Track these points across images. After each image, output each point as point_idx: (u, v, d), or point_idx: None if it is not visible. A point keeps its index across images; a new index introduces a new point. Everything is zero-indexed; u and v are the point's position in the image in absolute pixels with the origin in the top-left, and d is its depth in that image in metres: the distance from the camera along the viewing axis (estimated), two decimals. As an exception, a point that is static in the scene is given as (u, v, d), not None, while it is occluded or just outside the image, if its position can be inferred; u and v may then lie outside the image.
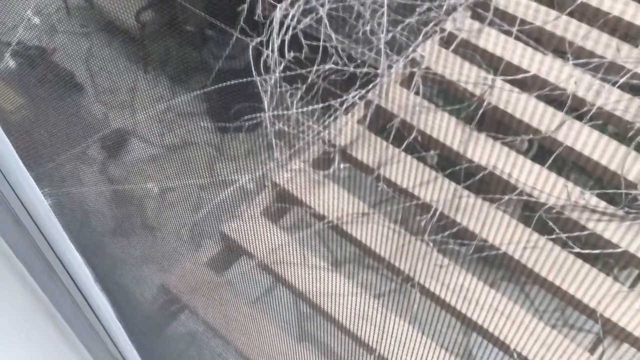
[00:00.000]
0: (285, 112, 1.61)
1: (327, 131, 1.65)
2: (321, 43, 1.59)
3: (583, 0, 1.71)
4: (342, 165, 1.61)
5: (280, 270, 1.56)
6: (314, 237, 1.59)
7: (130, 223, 1.83)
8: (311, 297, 1.54)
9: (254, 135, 1.72)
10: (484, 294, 1.45)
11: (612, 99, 1.59)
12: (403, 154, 1.61)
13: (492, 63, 1.71)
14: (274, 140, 1.59)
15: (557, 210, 1.47)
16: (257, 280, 1.66)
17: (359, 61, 1.63)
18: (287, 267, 1.57)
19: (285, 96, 1.60)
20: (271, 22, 1.60)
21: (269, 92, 1.57)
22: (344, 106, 1.62)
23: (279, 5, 1.62)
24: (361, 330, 1.48)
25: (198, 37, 2.30)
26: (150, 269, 1.81)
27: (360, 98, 1.65)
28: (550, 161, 1.55)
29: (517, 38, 1.70)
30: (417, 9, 1.67)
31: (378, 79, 1.61)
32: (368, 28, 1.62)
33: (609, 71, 1.62)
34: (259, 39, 1.60)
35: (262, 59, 1.59)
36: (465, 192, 1.54)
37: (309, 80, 1.60)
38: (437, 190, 1.56)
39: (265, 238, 1.62)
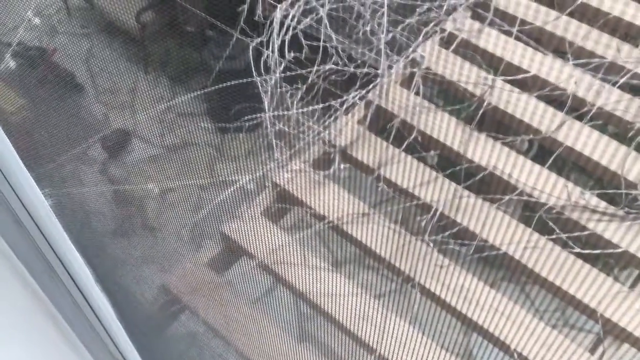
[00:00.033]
0: (285, 113, 1.61)
1: (327, 131, 1.65)
2: (321, 43, 1.60)
3: (583, 0, 1.71)
4: (342, 166, 1.61)
5: (281, 270, 1.56)
6: (314, 237, 1.59)
7: (130, 223, 1.84)
8: (311, 297, 1.54)
9: (254, 136, 1.72)
10: (484, 294, 1.45)
11: (612, 99, 1.59)
12: (403, 154, 1.62)
13: (492, 63, 1.71)
14: (274, 141, 1.59)
15: (557, 210, 1.47)
16: (257, 281, 1.67)
17: (359, 61, 1.63)
18: (288, 267, 1.57)
19: (285, 96, 1.60)
20: (271, 23, 1.60)
21: (269, 93, 1.57)
22: (344, 106, 1.62)
23: (279, 6, 1.62)
24: (361, 330, 1.48)
25: (198, 37, 2.30)
26: (150, 270, 1.81)
27: (361, 98, 1.65)
28: (550, 161, 1.55)
29: (517, 38, 1.70)
30: (417, 9, 1.67)
31: (378, 79, 1.61)
32: (368, 28, 1.63)
33: (609, 71, 1.62)
34: (259, 40, 1.60)
35: (263, 59, 1.59)
36: (466, 193, 1.54)
37: (309, 81, 1.60)
38: (437, 191, 1.56)
39: (266, 238, 1.62)
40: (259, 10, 1.63)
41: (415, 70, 1.67)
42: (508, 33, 1.71)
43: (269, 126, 1.58)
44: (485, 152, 1.58)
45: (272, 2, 1.65)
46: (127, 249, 1.79)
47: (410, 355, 1.36)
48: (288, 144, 1.63)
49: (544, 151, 1.73)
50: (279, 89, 1.58)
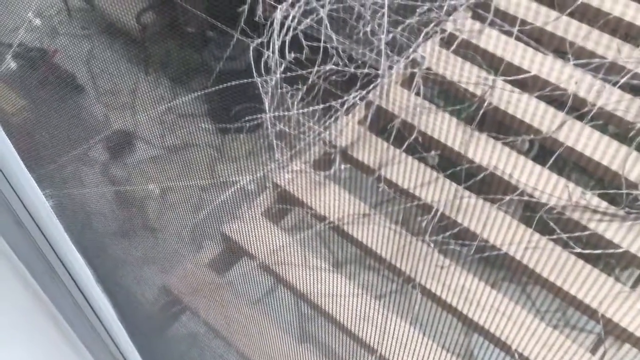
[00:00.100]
0: (286, 113, 1.61)
1: (327, 132, 1.65)
2: (322, 44, 1.60)
3: (584, 0, 1.71)
4: (342, 166, 1.61)
5: (282, 271, 1.56)
6: (315, 238, 1.59)
7: (131, 224, 1.84)
8: (312, 298, 1.54)
9: (254, 136, 1.72)
10: (485, 294, 1.45)
11: (613, 100, 1.59)
12: (404, 154, 1.62)
13: (492, 64, 1.71)
14: (274, 141, 1.59)
15: (558, 210, 1.47)
16: (258, 282, 1.67)
17: (359, 62, 1.63)
18: (288, 268, 1.57)
19: (286, 97, 1.60)
20: (272, 23, 1.60)
21: (269, 93, 1.57)
22: (345, 107, 1.62)
23: (279, 7, 1.62)
24: (362, 331, 1.48)
25: (199, 38, 2.30)
26: (151, 270, 1.82)
27: (361, 99, 1.65)
28: (551, 161, 1.55)
29: (518, 39, 1.70)
30: (418, 10, 1.67)
31: (379, 80, 1.61)
32: (368, 29, 1.63)
33: (609, 71, 1.62)
34: (259, 40, 1.60)
35: (263, 60, 1.59)
36: (466, 193, 1.54)
37: (310, 81, 1.60)
38: (438, 191, 1.56)
39: (266, 239, 1.62)
40: (260, 11, 1.63)
41: (415, 70, 1.67)
42: (508, 33, 1.71)
43: (269, 127, 1.58)
44: (485, 152, 1.58)
45: (272, 2, 1.65)
46: (128, 250, 1.79)
47: (411, 355, 1.36)
48: (289, 144, 1.63)
49: (544, 151, 1.73)
50: (279, 90, 1.58)
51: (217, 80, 1.68)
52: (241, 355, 1.66)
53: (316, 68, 1.59)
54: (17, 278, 1.15)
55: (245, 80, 1.59)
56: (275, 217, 1.69)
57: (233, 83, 1.62)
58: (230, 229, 1.65)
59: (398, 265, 1.49)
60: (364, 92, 1.63)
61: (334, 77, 1.63)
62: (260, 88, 1.58)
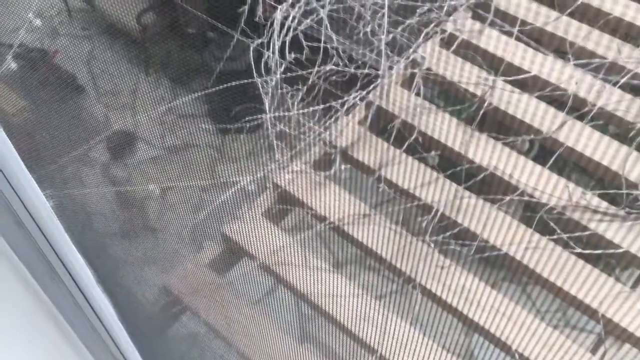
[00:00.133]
0: (286, 114, 1.61)
1: (328, 132, 1.66)
2: (322, 44, 1.60)
3: (584, 1, 1.71)
4: (343, 167, 1.61)
5: (282, 271, 1.56)
6: (315, 238, 1.59)
7: (132, 225, 1.84)
8: (312, 298, 1.54)
9: (255, 137, 1.72)
10: (485, 294, 1.45)
11: (613, 100, 1.59)
12: (404, 155, 1.62)
13: (492, 64, 1.71)
14: (275, 142, 1.59)
15: (558, 210, 1.47)
16: (258, 282, 1.67)
17: (359, 62, 1.63)
18: (289, 268, 1.57)
19: (286, 97, 1.60)
20: (272, 24, 1.60)
21: (269, 94, 1.57)
22: (345, 107, 1.62)
23: (279, 7, 1.62)
24: (363, 331, 1.48)
25: (199, 39, 2.30)
26: (152, 271, 1.82)
27: (361, 99, 1.65)
28: (551, 162, 1.55)
29: (518, 39, 1.70)
30: (418, 10, 1.67)
31: (379, 80, 1.61)
32: (369, 29, 1.63)
33: (610, 72, 1.62)
34: (259, 41, 1.60)
35: (263, 60, 1.59)
36: (467, 193, 1.54)
37: (310, 82, 1.60)
38: (438, 191, 1.56)
39: (267, 239, 1.62)
40: (260, 12, 1.63)
41: (415, 71, 1.67)
42: (509, 34, 1.71)
43: (269, 127, 1.58)
44: (486, 152, 1.58)
45: (272, 3, 1.66)
46: (128, 250, 1.80)
47: (411, 356, 1.36)
48: (289, 145, 1.63)
49: (544, 151, 1.73)
50: (279, 90, 1.58)
51: (217, 81, 1.68)
52: (242, 356, 1.66)
53: (316, 68, 1.59)
54: (18, 278, 1.15)
55: (246, 81, 1.59)
56: (276, 218, 1.69)
57: (233, 83, 1.62)
58: (231, 230, 1.65)
59: (398, 265, 1.49)
60: (364, 93, 1.63)
61: (334, 77, 1.64)
62: (261, 88, 1.58)
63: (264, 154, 1.65)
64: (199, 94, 1.77)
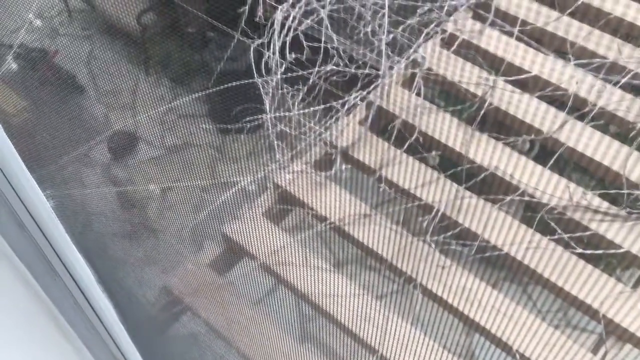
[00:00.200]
0: (286, 114, 1.61)
1: (328, 132, 1.65)
2: (322, 44, 1.60)
3: (584, 1, 1.71)
4: (343, 167, 1.61)
5: (282, 271, 1.56)
6: (315, 238, 1.59)
7: (132, 225, 1.84)
8: (313, 298, 1.54)
9: (255, 137, 1.72)
10: (486, 294, 1.45)
11: (614, 100, 1.59)
12: (404, 155, 1.61)
13: (493, 64, 1.71)
14: (275, 142, 1.59)
15: (559, 211, 1.47)
16: (259, 282, 1.67)
17: (360, 62, 1.63)
18: (289, 268, 1.57)
19: (286, 97, 1.60)
20: (272, 24, 1.60)
21: (270, 94, 1.57)
22: (345, 107, 1.62)
23: (279, 7, 1.62)
24: (363, 331, 1.48)
25: (199, 39, 2.30)
26: (152, 271, 1.82)
27: (362, 99, 1.65)
28: (552, 162, 1.55)
29: (519, 39, 1.70)
30: (418, 10, 1.67)
31: (379, 80, 1.61)
32: (369, 29, 1.63)
33: (610, 72, 1.61)
34: (260, 41, 1.60)
35: (263, 60, 1.59)
36: (467, 193, 1.54)
37: (310, 82, 1.60)
38: (438, 191, 1.56)
39: (267, 239, 1.62)
40: (260, 12, 1.63)
41: (416, 71, 1.67)
42: (509, 34, 1.71)
43: (270, 127, 1.58)
44: (486, 152, 1.58)
45: (272, 3, 1.66)
46: (128, 250, 1.80)
47: (412, 356, 1.36)
48: (289, 145, 1.63)
49: (545, 151, 1.73)
50: (280, 90, 1.58)
51: (217, 81, 1.68)
52: (242, 356, 1.66)
53: (317, 68, 1.59)
54: (18, 279, 1.15)
55: (246, 81, 1.59)
56: (276, 218, 1.69)
57: (234, 84, 1.62)
58: (231, 230, 1.65)
59: (399, 265, 1.49)
60: (364, 93, 1.63)
61: (334, 77, 1.63)
62: (261, 88, 1.58)
63: (264, 154, 1.65)
64: (200, 94, 1.77)
